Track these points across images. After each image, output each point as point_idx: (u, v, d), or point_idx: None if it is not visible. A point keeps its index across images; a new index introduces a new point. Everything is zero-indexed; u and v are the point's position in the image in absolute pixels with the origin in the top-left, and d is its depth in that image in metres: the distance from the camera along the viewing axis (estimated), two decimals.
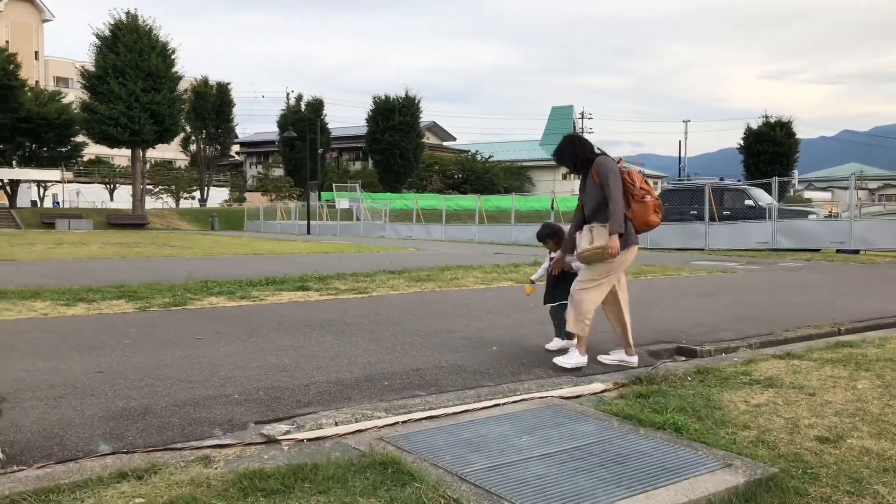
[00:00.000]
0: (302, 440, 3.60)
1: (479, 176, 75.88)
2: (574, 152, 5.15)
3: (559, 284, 5.50)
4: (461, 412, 4.11)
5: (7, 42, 60.49)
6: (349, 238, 31.22)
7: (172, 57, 43.41)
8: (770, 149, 68.18)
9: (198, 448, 3.44)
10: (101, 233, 34.51)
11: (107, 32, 41.83)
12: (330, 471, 3.13)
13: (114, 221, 42.00)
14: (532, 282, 5.92)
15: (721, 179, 25.73)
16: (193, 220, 48.10)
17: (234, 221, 47.20)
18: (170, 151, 68.51)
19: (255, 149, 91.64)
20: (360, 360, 5.20)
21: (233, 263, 14.23)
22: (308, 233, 35.44)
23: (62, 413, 3.79)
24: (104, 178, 61.41)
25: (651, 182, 5.38)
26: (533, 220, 31.83)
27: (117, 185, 60.65)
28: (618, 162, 5.09)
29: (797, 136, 68.12)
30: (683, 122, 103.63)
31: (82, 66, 44.03)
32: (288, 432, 3.68)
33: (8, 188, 54.83)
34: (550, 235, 5.66)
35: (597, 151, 5.15)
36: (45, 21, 75.46)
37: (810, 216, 21.80)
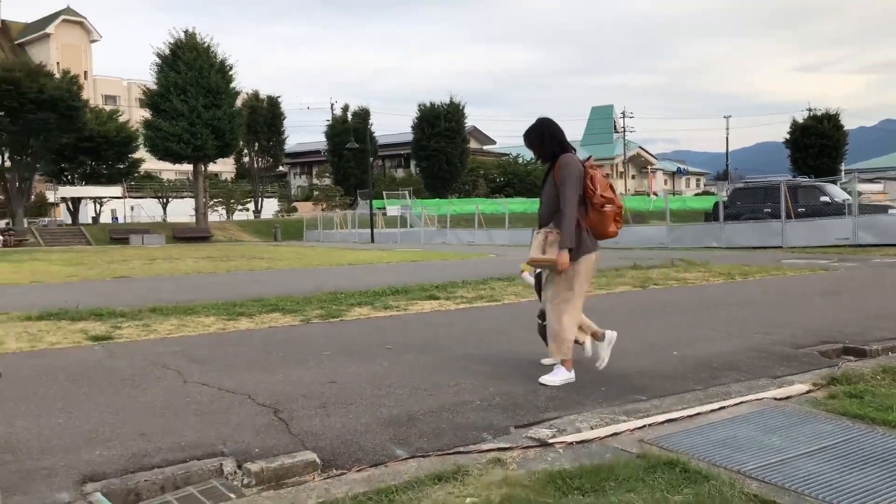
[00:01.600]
0: (571, 443, 3.88)
1: (522, 179, 75.98)
2: (542, 141, 4.80)
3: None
4: (694, 415, 4.36)
5: (58, 63, 62.36)
6: (412, 245, 31.60)
7: (230, 73, 44.48)
8: (818, 142, 67.24)
9: (483, 451, 3.73)
10: (174, 247, 35.45)
11: (167, 51, 43.00)
12: (625, 471, 3.39)
13: (179, 235, 43.06)
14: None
15: (795, 177, 25.60)
16: (254, 231, 49.03)
17: (291, 232, 48.01)
18: (214, 164, 69.76)
19: (298, 159, 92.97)
20: None
21: (337, 275, 14.62)
22: (371, 241, 35.96)
23: (341, 421, 4.12)
24: (156, 193, 62.77)
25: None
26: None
27: (170, 199, 62.05)
28: (586, 160, 4.76)
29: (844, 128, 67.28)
30: (725, 117, 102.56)
31: (144, 85, 45.29)
32: (554, 436, 3.97)
33: (71, 205, 56.53)
34: None
35: (567, 146, 4.81)
36: (92, 41, 77.47)
37: (890, 211, 21.61)
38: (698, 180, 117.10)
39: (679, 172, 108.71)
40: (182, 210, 59.18)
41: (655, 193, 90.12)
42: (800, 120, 65.24)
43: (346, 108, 72.08)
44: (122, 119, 56.20)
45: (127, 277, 14.66)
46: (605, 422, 4.20)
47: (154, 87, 43.97)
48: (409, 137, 73.01)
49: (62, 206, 59.73)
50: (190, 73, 41.93)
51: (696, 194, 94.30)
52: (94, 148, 52.58)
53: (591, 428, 4.10)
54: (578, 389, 4.82)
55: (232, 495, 3.35)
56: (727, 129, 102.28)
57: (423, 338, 6.72)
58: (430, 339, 6.67)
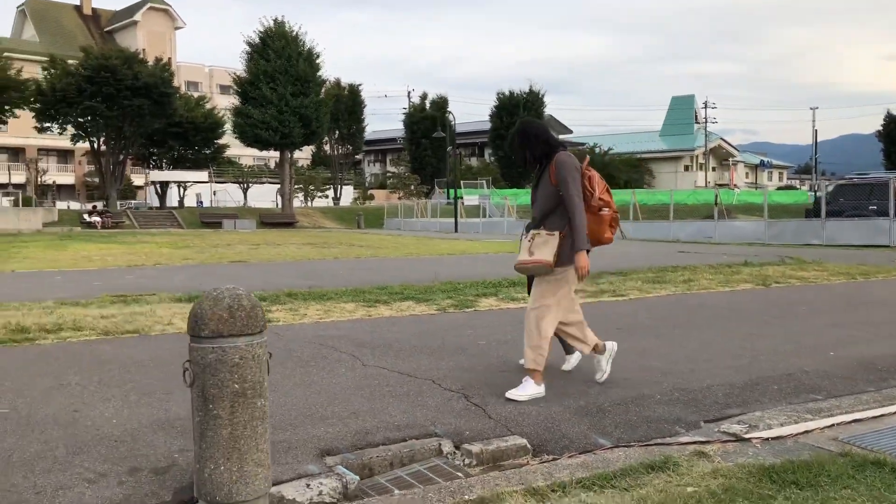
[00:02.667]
0: (766, 439, 3.98)
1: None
2: (527, 143, 4.53)
3: None
4: (879, 416, 4.40)
5: (144, 50, 64.43)
6: (496, 236, 31.68)
7: (317, 61, 45.35)
8: None
9: (683, 443, 3.87)
10: (265, 232, 36.49)
11: (257, 40, 44.09)
12: (834, 468, 3.47)
13: (266, 220, 44.24)
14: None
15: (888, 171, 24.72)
16: (335, 218, 49.93)
17: (371, 219, 48.72)
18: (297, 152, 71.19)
19: (371, 146, 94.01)
20: (721, 361, 5.53)
21: (442, 264, 14.83)
22: (455, 231, 36.24)
23: (534, 409, 4.31)
24: (236, 178, 64.26)
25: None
26: (685, 214, 31.48)
27: (250, 185, 63.55)
28: (582, 161, 4.50)
29: None
30: (811, 109, 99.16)
31: (234, 73, 46.55)
32: (747, 431, 4.07)
33: (158, 189, 58.65)
34: None
35: (556, 144, 4.56)
36: (177, 29, 79.79)
37: None
38: (781, 174, 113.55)
39: (762, 165, 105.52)
40: (261, 195, 60.67)
41: (736, 186, 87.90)
42: (894, 112, 62.59)
43: (424, 97, 72.57)
44: (209, 105, 57.93)
45: (243, 262, 15.26)
46: (793, 419, 4.28)
47: (241, 74, 45.15)
48: (483, 126, 73.12)
49: (147, 189, 62.05)
50: (279, 61, 42.94)
51: (779, 188, 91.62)
52: (182, 133, 54.40)
53: (781, 425, 4.19)
54: (752, 387, 4.89)
55: (459, 474, 3.58)
56: (813, 120, 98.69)
57: None
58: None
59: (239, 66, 46.09)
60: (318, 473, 3.42)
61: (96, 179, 68.92)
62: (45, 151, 70.52)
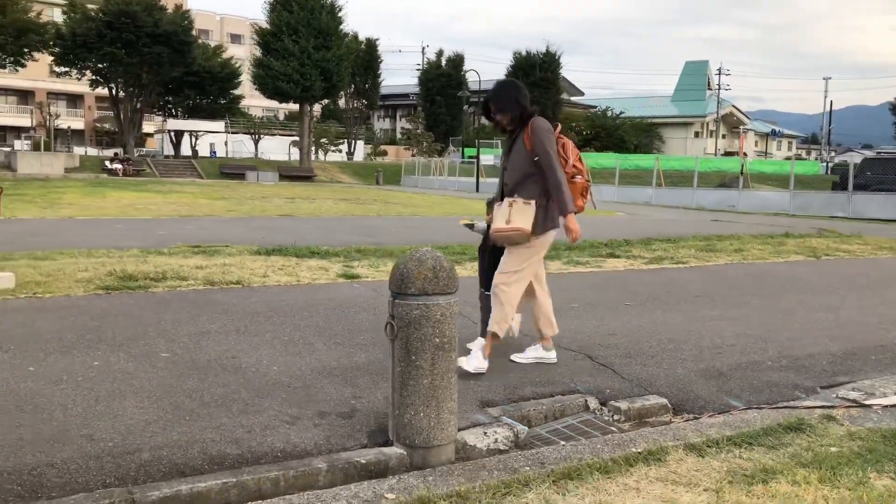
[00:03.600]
0: (886, 406, 4.26)
1: (610, 132, 74.88)
2: (520, 102, 4.35)
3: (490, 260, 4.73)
4: None
5: None
6: None
7: (339, 15, 45.00)
8: None
9: (808, 407, 4.15)
10: (288, 185, 36.64)
11: None
12: None
13: (285, 174, 44.34)
14: (470, 223, 5.26)
15: None
16: (353, 173, 50.00)
17: (388, 176, 48.78)
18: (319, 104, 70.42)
19: (382, 102, 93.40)
20: (813, 331, 5.79)
21: None
22: (476, 191, 36.38)
23: (662, 371, 4.58)
24: (248, 129, 63.97)
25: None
26: (705, 182, 31.56)
27: (261, 136, 63.30)
28: (554, 129, 4.38)
29: None
30: (824, 79, 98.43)
31: (255, 24, 46.23)
32: (865, 398, 4.34)
33: (173, 137, 58.60)
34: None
35: (534, 109, 4.42)
36: None
37: None
38: (790, 143, 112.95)
39: (773, 135, 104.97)
40: (272, 147, 60.59)
41: (745, 154, 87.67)
42: None
43: (440, 54, 71.96)
44: (227, 55, 57.60)
45: (290, 216, 15.51)
46: None
47: (262, 25, 44.83)
48: (478, 85, 72.51)
49: (161, 137, 61.85)
50: (302, 13, 42.63)
51: (787, 158, 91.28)
52: (198, 82, 54.23)
53: (895, 394, 4.47)
54: (850, 356, 5.16)
55: (613, 428, 3.88)
56: (826, 91, 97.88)
57: (648, 293, 7.13)
58: (660, 295, 7.07)
59: (250, 15, 45.85)
60: (490, 423, 3.71)
61: (106, 125, 68.94)
62: (54, 95, 70.13)
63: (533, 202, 4.26)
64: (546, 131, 4.26)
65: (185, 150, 58.33)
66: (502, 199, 4.43)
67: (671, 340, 5.33)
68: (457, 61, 70.73)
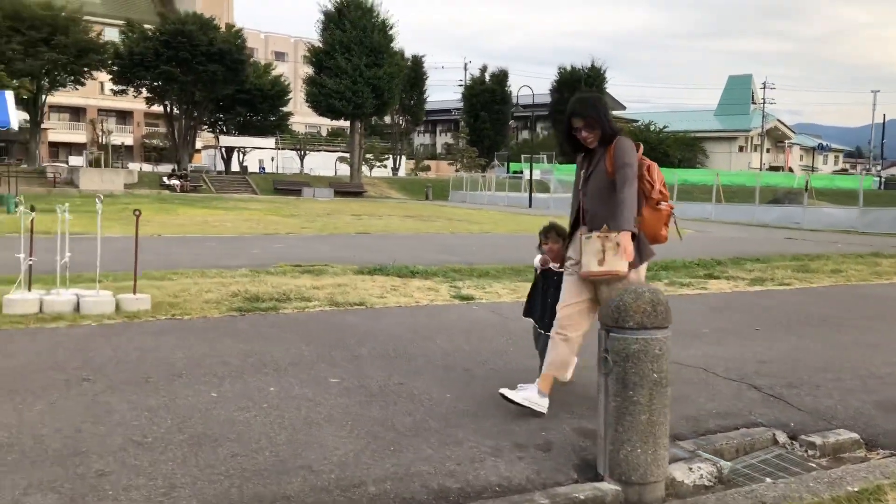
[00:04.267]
0: None
1: (653, 147, 74.28)
2: (600, 118, 3.90)
3: (552, 296, 4.25)
4: None
5: (201, 12, 64.95)
6: (567, 212, 31.57)
7: (390, 33, 45.47)
8: None
9: None
10: (344, 201, 36.92)
11: (332, 9, 44.34)
12: None
13: (337, 189, 44.71)
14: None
15: None
16: (400, 189, 50.26)
17: (435, 191, 48.93)
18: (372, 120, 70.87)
19: (425, 118, 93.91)
20: None
21: None
22: (529, 206, 36.30)
23: (835, 402, 4.47)
24: (294, 145, 64.72)
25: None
26: (746, 197, 31.11)
27: (307, 152, 63.96)
28: (637, 150, 3.95)
29: None
30: (872, 92, 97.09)
31: (309, 43, 46.90)
32: None
33: (225, 154, 59.53)
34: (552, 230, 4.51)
35: (619, 127, 4.01)
36: None
37: None
38: (836, 157, 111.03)
39: (820, 149, 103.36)
40: (316, 163, 61.18)
41: (791, 169, 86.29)
42: None
43: (484, 69, 72.26)
44: (276, 73, 58.52)
45: (366, 233, 15.62)
46: None
47: (315, 44, 45.46)
48: (539, 100, 72.53)
49: (206, 153, 62.71)
50: (354, 31, 43.14)
51: (834, 172, 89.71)
52: (249, 100, 55.10)
53: None
54: None
55: (811, 464, 3.78)
56: (874, 104, 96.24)
57: (771, 317, 6.99)
58: (783, 319, 6.92)
59: (293, 33, 46.45)
60: (689, 457, 3.63)
61: (155, 141, 70.37)
62: (104, 112, 71.71)
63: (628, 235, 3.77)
64: (632, 152, 3.86)
65: (234, 166, 59.25)
66: (574, 228, 4.05)
67: (825, 369, 5.20)
68: (500, 77, 70.98)
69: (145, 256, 9.93)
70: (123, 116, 74.17)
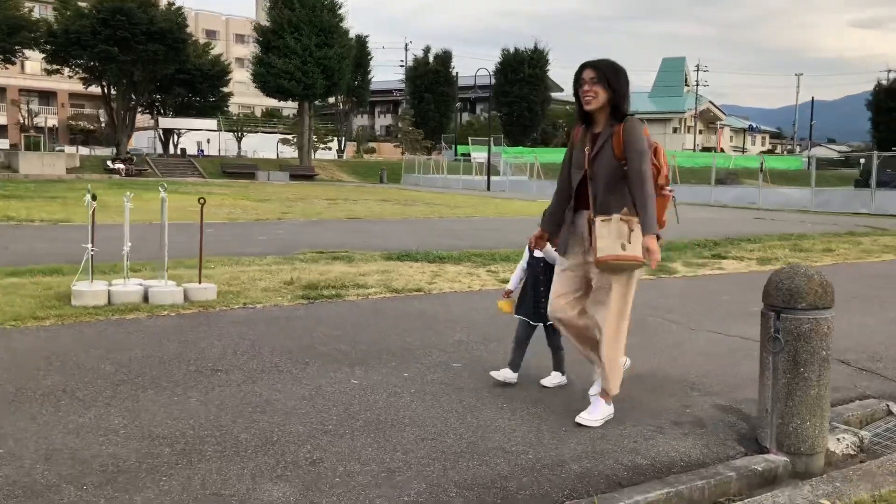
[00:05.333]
0: None
1: None
2: (623, 93, 3.59)
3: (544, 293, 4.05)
4: None
5: None
6: (531, 196, 31.93)
7: (340, 12, 44.87)
8: None
9: None
10: (301, 185, 36.43)
11: None
12: None
13: (290, 173, 43.97)
14: (508, 294, 4.36)
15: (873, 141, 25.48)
16: (351, 172, 49.90)
17: (387, 174, 48.71)
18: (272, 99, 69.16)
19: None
20: None
21: None
22: (488, 189, 36.53)
23: None
24: (233, 128, 63.09)
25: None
26: (697, 178, 31.99)
27: (245, 134, 62.36)
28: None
29: None
30: (796, 75, 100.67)
31: (256, 22, 45.91)
32: None
33: (163, 136, 57.93)
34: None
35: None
36: None
37: None
38: (763, 138, 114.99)
39: (751, 130, 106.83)
40: (254, 145, 59.90)
41: (722, 149, 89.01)
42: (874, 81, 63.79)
43: (427, 50, 72.12)
44: (215, 52, 57.11)
45: (358, 219, 15.56)
46: None
47: (262, 23, 44.54)
48: (469, 81, 72.71)
49: (142, 136, 60.55)
50: (303, 10, 42.47)
51: (762, 152, 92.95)
52: (189, 80, 53.65)
53: None
54: None
55: None
56: (798, 87, 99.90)
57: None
58: None
59: (224, 11, 45.50)
60: (832, 429, 3.86)
61: (81, 123, 67.75)
62: (26, 92, 68.73)
63: (635, 219, 3.53)
64: (643, 134, 3.54)
65: (172, 148, 57.56)
66: (575, 213, 3.73)
67: (890, 344, 5.53)
68: (444, 58, 70.95)
69: (150, 246, 9.75)
70: (47, 97, 71.22)
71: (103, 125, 61.69)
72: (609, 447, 3.41)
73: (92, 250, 6.07)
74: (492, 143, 41.63)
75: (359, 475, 2.99)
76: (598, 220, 3.56)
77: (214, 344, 4.83)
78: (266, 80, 43.69)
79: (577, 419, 3.68)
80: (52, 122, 70.86)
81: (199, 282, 6.27)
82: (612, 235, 3.52)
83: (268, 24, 44.20)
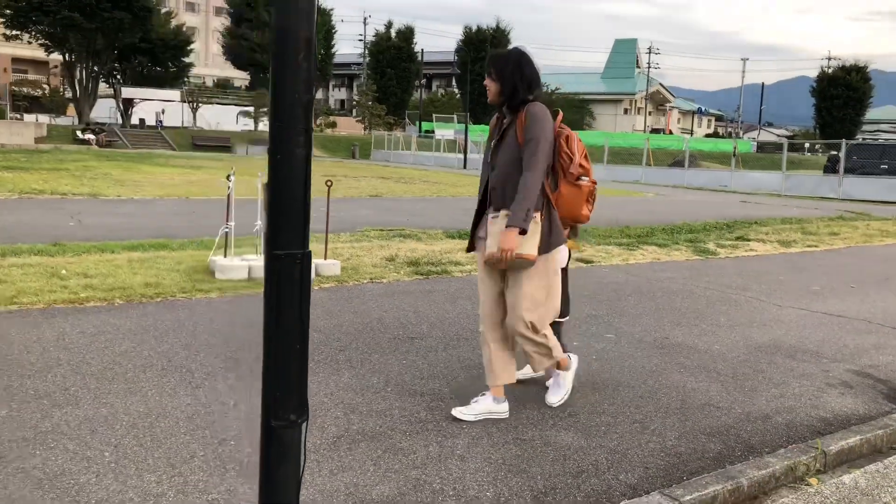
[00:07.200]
0: None
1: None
2: (519, 79, 3.44)
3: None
4: None
5: None
6: None
7: None
8: (844, 93, 69.34)
9: None
10: None
11: None
12: None
13: (264, 147, 43.54)
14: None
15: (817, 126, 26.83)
16: (321, 146, 49.59)
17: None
18: (229, 70, 68.35)
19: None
20: None
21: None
22: (465, 167, 37.00)
23: None
24: (189, 98, 61.60)
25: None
26: (630, 159, 32.90)
27: (200, 105, 61.01)
28: (555, 119, 3.53)
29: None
30: (742, 59, 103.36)
31: None
32: None
33: (122, 106, 56.57)
34: None
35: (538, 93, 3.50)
36: None
37: None
38: (709, 121, 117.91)
39: (700, 112, 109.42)
40: (211, 116, 58.75)
41: (671, 131, 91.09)
42: (814, 68, 66.55)
43: (389, 25, 71.83)
44: (178, 22, 56.02)
45: (378, 196, 15.96)
46: None
47: None
48: (440, 58, 72.66)
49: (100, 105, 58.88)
50: None
51: (707, 135, 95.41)
52: (151, 49, 52.58)
53: None
54: None
55: None
56: (743, 71, 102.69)
57: (845, 277, 8.15)
58: (858, 278, 8.08)
59: None
60: None
61: (25, 89, 65.36)
62: None
63: (537, 216, 3.38)
64: (545, 121, 3.39)
65: (133, 119, 56.29)
66: (486, 206, 3.55)
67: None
68: (407, 34, 70.84)
69: (183, 220, 10.07)
70: None
71: (48, 92, 59.96)
72: (791, 403, 4.05)
73: (226, 228, 6.45)
74: (468, 120, 41.99)
75: (620, 425, 3.57)
76: (489, 215, 3.49)
77: (381, 315, 5.32)
78: (238, 52, 43.23)
79: (548, 400, 3.78)
80: None
81: (325, 258, 6.71)
82: (493, 231, 3.40)
83: None
